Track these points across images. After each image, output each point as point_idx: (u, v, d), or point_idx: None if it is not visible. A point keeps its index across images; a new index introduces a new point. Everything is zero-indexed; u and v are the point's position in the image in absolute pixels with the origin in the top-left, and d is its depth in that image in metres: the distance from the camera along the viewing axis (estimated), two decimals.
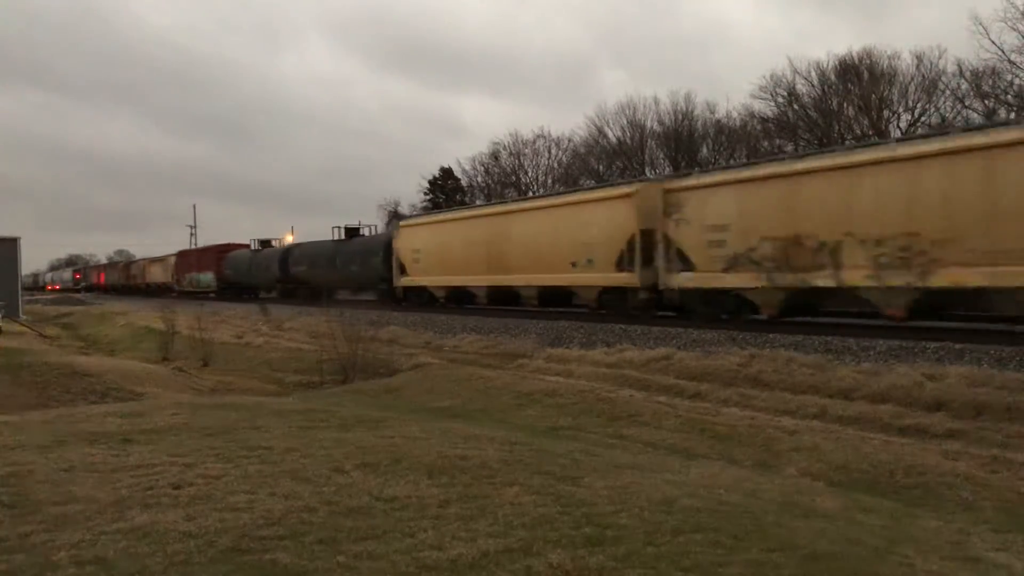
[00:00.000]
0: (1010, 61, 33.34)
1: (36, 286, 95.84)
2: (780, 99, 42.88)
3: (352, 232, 34.53)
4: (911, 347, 12.54)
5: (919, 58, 38.30)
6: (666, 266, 17.73)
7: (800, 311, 16.27)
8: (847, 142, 38.62)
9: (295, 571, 3.65)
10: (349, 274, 32.13)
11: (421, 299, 27.20)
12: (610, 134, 51.84)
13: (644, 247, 18.25)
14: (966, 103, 36.27)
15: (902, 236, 13.36)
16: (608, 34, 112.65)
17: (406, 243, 28.05)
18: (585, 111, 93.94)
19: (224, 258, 45.32)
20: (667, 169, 47.92)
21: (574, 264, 20.39)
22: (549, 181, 56.16)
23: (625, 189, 19.72)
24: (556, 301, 22.15)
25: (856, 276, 14.09)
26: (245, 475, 5.42)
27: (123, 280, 67.04)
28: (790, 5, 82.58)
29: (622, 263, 18.94)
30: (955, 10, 63.71)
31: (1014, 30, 32.74)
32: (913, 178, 13.32)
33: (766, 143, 43.70)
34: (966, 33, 43.25)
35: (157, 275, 57.24)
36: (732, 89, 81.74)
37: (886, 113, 39.67)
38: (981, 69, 34.64)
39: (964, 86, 36.34)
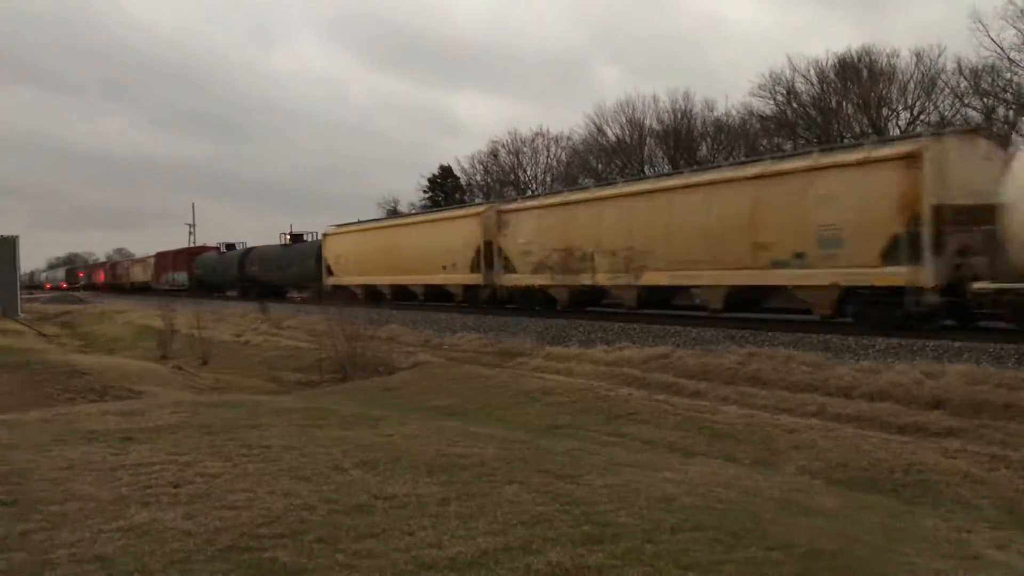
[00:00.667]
0: (1009, 59, 33.35)
1: (32, 284, 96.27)
2: (779, 97, 42.89)
3: (296, 238, 40.93)
4: (910, 345, 12.55)
5: (918, 56, 38.29)
6: (499, 270, 23.54)
7: (583, 303, 21.62)
8: (846, 140, 38.67)
9: (294, 569, 3.65)
10: (291, 274, 37.73)
11: (344, 296, 29.08)
12: (609, 132, 51.82)
13: (487, 255, 24.02)
14: (965, 101, 36.25)
15: (624, 249, 18.97)
16: (602, 31, 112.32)
17: (331, 249, 33.55)
18: (580, 108, 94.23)
19: (195, 260, 50.31)
20: (667, 167, 47.90)
21: (444, 268, 26.31)
22: (548, 179, 56.13)
23: (476, 210, 26.03)
24: (438, 297, 27.54)
25: (603, 278, 19.88)
26: (244, 473, 5.42)
27: (111, 279, 72.19)
28: (788, 2, 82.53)
29: (474, 267, 24.66)
30: (955, 8, 63.86)
31: (1014, 27, 32.76)
32: (630, 209, 19.11)
33: (765, 141, 43.66)
34: (966, 31, 43.29)
35: (139, 275, 62.11)
36: (729, 87, 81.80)
37: (885, 111, 39.65)
38: (980, 67, 34.65)
39: (963, 84, 36.33)
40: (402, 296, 29.26)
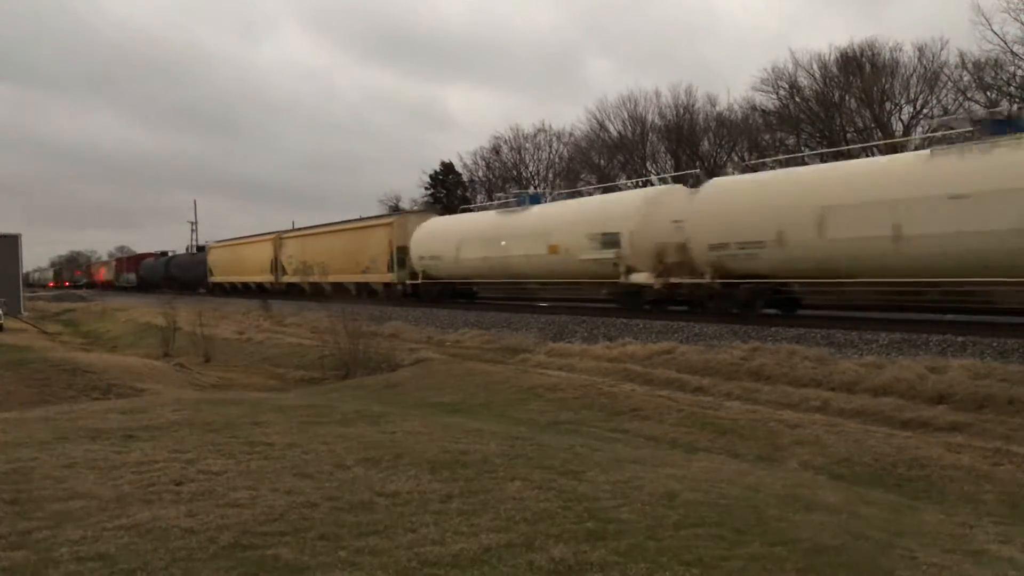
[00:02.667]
0: (1012, 52, 33.18)
1: (27, 284, 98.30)
2: (782, 92, 42.76)
3: (200, 248, 59.96)
4: (913, 340, 12.53)
5: (921, 50, 38.15)
6: (282, 273, 40.35)
7: (314, 293, 32.69)
8: (849, 135, 38.56)
9: (297, 567, 3.65)
10: (195, 275, 52.60)
11: (218, 290, 48.56)
12: (611, 128, 51.74)
13: (273, 263, 41.35)
14: (968, 95, 36.09)
15: (319, 264, 33.56)
16: (589, 20, 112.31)
17: (211, 257, 51.16)
18: (571, 100, 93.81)
19: (140, 264, 66.43)
20: (669, 162, 47.83)
21: (261, 271, 42.71)
22: (551, 175, 56.07)
23: (270, 236, 42.42)
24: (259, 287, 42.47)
25: (316, 277, 32.92)
26: (247, 471, 5.42)
27: (87, 278, 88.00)
28: None
29: (273, 269, 40.26)
30: (957, 1, 63.48)
31: (1017, 21, 32.60)
32: (323, 240, 36.12)
33: (768, 136, 43.56)
34: (968, 24, 43.13)
35: (106, 275, 79.30)
36: (723, 77, 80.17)
37: (888, 105, 39.52)
38: (983, 61, 34.49)
39: (966, 78, 36.20)
40: (244, 287, 45.35)
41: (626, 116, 50.76)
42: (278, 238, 41.20)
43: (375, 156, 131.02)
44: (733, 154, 45.93)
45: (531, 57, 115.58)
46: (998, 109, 16.21)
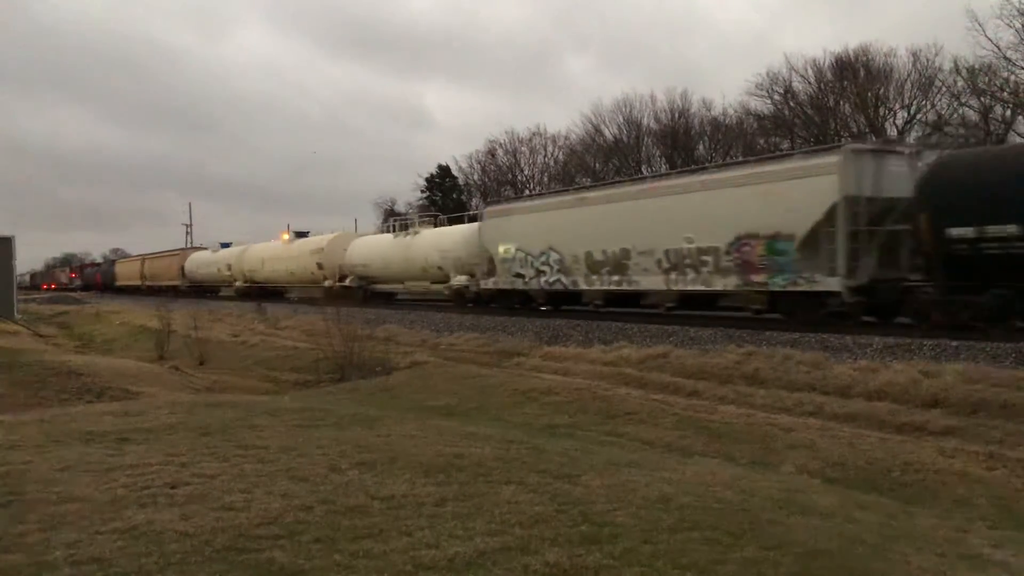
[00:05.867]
0: (1006, 58, 33.36)
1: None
2: (776, 97, 42.89)
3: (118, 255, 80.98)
4: (907, 344, 12.56)
5: (915, 55, 38.31)
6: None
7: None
8: (843, 139, 38.69)
9: (292, 570, 3.65)
10: (108, 278, 68.44)
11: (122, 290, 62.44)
12: (606, 132, 51.83)
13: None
14: (962, 100, 36.28)
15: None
16: (562, 16, 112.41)
17: (116, 268, 70.51)
18: (550, 98, 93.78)
19: (84, 270, 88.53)
20: (664, 166, 47.93)
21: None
22: (545, 179, 56.10)
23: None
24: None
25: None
26: (241, 474, 5.41)
27: (59, 281, 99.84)
28: None
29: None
30: (951, 6, 63.71)
31: (1010, 27, 32.77)
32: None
33: (762, 141, 43.68)
34: (962, 30, 43.30)
35: (74, 279, 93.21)
36: (707, 74, 79.94)
37: (882, 110, 39.67)
38: (977, 66, 34.64)
39: (960, 83, 36.36)
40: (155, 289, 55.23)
41: (621, 120, 50.88)
42: (183, 255, 54.17)
43: (356, 157, 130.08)
44: (728, 158, 46.03)
45: (506, 53, 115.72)
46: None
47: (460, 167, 61.07)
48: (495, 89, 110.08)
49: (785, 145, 41.06)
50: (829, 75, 41.12)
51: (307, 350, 19.32)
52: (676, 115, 48.53)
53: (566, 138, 55.71)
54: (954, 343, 12.15)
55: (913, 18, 59.69)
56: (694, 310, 18.47)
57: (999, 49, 33.29)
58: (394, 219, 37.77)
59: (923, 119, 38.08)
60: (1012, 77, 33.75)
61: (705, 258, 17.02)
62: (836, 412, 10.14)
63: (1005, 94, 34.11)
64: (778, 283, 15.59)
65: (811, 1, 76.36)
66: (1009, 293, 12.52)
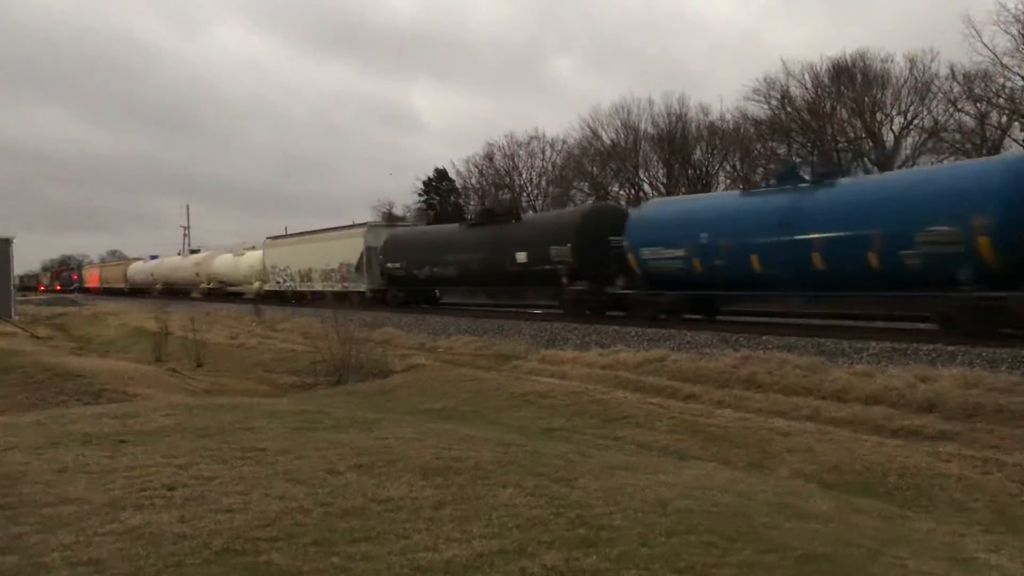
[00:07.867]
0: (1003, 64, 33.40)
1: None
2: (773, 102, 42.93)
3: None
4: (904, 349, 12.59)
5: (912, 61, 38.36)
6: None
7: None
8: (840, 145, 38.78)
9: (289, 572, 3.65)
10: (77, 281, 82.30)
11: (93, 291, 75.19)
12: (604, 136, 51.83)
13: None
14: (958, 106, 36.32)
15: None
16: (551, 17, 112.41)
17: (84, 272, 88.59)
18: (538, 99, 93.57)
19: (59, 275, 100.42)
20: (662, 171, 47.97)
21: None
22: (543, 183, 56.11)
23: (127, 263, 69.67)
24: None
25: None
26: (239, 476, 5.41)
27: (49, 283, 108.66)
28: None
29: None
30: (947, 12, 63.84)
31: (1007, 33, 32.83)
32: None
33: (759, 146, 43.71)
34: (959, 35, 43.40)
35: (51, 281, 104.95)
36: (697, 75, 79.30)
37: (879, 116, 39.73)
38: (974, 72, 34.69)
39: (956, 89, 36.41)
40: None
41: (619, 124, 50.88)
42: (127, 263, 68.48)
43: (347, 159, 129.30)
44: (725, 163, 46.11)
45: (491, 53, 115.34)
46: None
47: (458, 171, 61.08)
48: (482, 88, 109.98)
49: (782, 150, 41.11)
50: (826, 80, 41.19)
51: (305, 352, 19.32)
52: (673, 120, 48.56)
53: (564, 142, 55.75)
54: (950, 348, 12.19)
55: (909, 23, 59.84)
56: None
57: (995, 55, 33.31)
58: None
59: (919, 124, 38.14)
60: (1008, 83, 33.84)
61: (332, 273, 33.13)
62: (833, 416, 10.16)
63: (1001, 100, 34.17)
64: (350, 286, 30.92)
65: (803, 0, 76.44)
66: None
